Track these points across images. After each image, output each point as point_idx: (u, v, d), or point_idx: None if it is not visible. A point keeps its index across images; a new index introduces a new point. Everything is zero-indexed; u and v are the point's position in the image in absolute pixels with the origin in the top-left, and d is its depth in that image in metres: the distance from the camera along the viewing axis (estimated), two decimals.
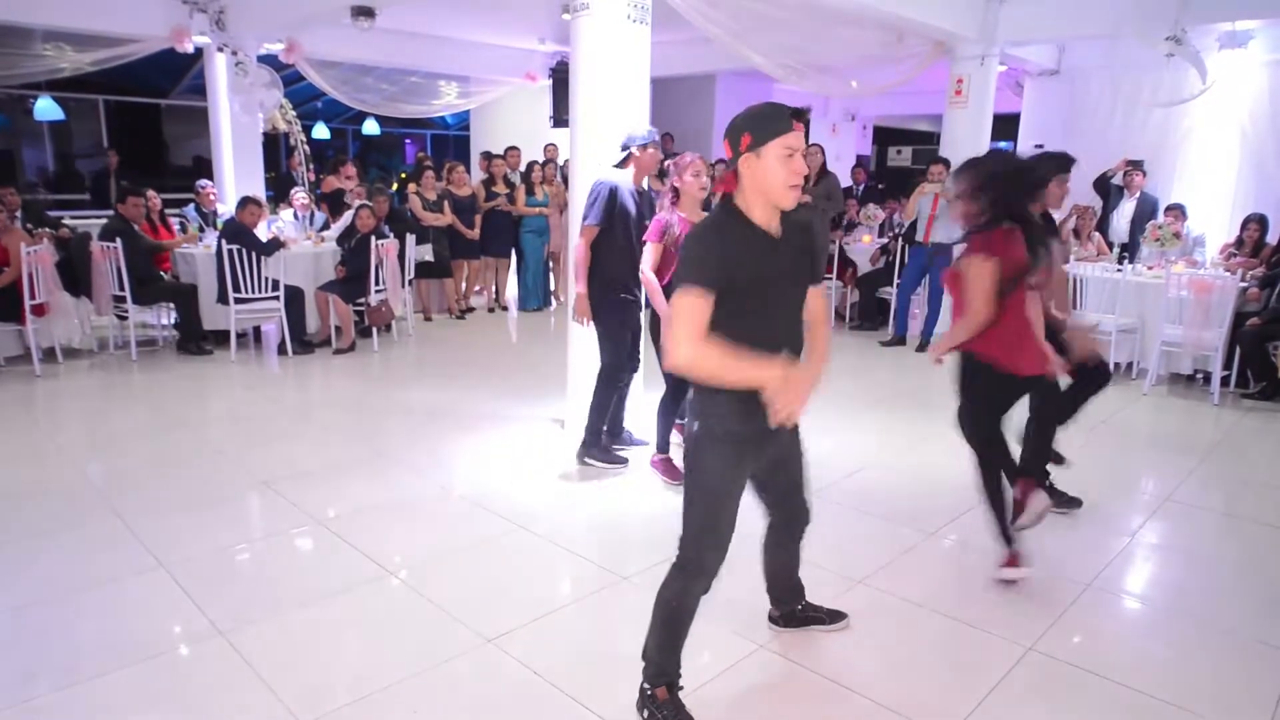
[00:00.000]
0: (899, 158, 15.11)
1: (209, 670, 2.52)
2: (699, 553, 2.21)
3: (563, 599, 3.00)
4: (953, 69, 7.56)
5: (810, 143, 8.42)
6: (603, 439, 4.34)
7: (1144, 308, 6.28)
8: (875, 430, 5.12)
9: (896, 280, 7.62)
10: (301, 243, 7.18)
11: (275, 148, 10.24)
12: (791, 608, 2.81)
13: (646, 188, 4.27)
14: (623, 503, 3.91)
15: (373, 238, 6.72)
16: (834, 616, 2.84)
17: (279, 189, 9.05)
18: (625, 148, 4.11)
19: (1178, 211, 7.11)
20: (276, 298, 6.44)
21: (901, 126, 15.11)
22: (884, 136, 15.58)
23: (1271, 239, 6.50)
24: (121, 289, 6.23)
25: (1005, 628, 2.84)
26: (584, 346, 4.66)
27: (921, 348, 7.32)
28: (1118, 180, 7.76)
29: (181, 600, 2.89)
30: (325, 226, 7.96)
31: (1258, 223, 6.69)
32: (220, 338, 6.59)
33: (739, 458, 2.20)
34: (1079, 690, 2.52)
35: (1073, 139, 8.68)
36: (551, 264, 8.98)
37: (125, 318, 6.44)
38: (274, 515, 3.68)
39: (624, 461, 4.27)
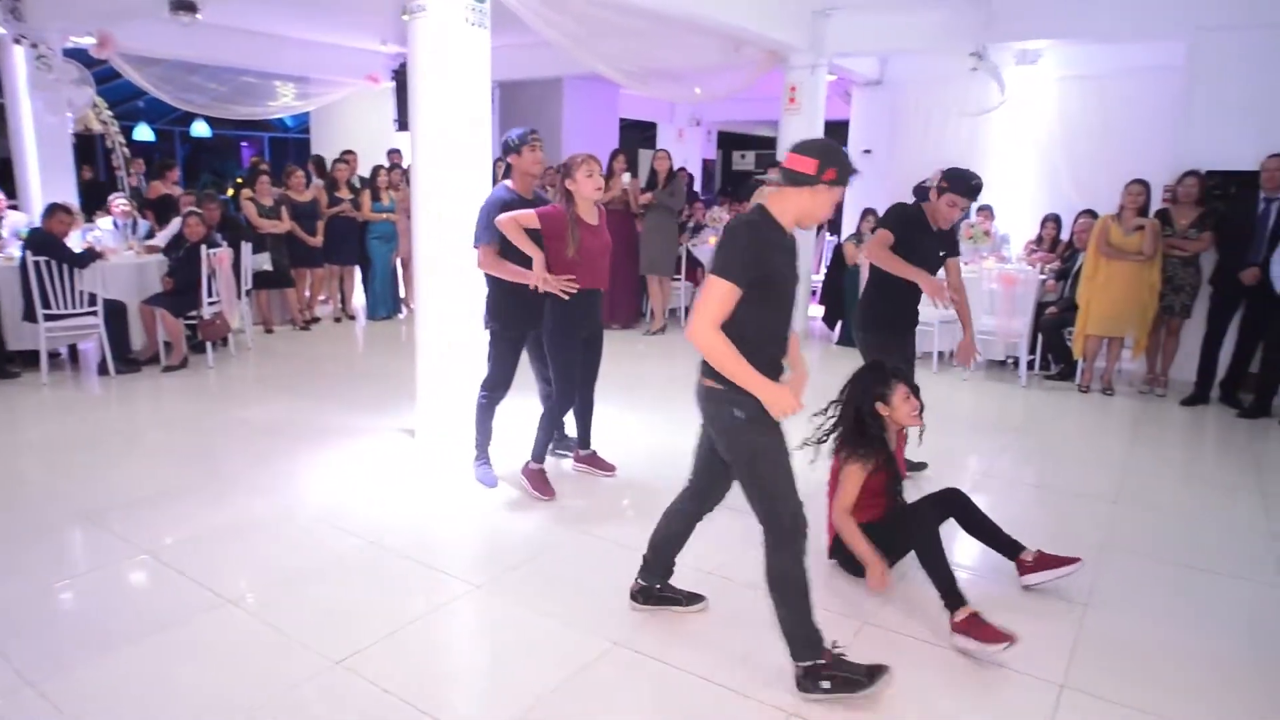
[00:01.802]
0: (743, 161, 15.71)
1: None
2: (791, 517, 2.43)
3: (416, 613, 2.96)
4: (787, 77, 7.96)
5: (658, 147, 8.66)
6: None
7: None
8: None
9: None
10: (123, 253, 6.67)
11: (92, 150, 9.41)
12: (653, 585, 2.96)
13: (543, 192, 4.07)
14: (477, 511, 3.89)
15: (203, 246, 6.34)
16: (691, 599, 2.98)
17: (91, 196, 8.34)
18: (504, 154, 3.94)
19: (987, 211, 7.80)
20: (94, 313, 5.95)
21: (745, 132, 15.71)
22: (728, 141, 16.14)
23: (1064, 237, 7.24)
24: None
25: (839, 603, 3.05)
26: (434, 355, 4.61)
27: None
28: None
29: None
30: (150, 235, 7.43)
31: (1054, 221, 7.44)
32: (29, 359, 6.01)
33: (777, 428, 2.48)
34: (904, 651, 2.73)
35: (896, 145, 9.35)
36: (401, 270, 8.77)
37: None
38: (98, 549, 3.41)
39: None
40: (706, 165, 15.37)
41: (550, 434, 4.04)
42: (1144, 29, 6.64)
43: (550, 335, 3.87)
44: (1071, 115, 8.26)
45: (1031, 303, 6.35)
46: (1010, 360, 6.83)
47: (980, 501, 4.10)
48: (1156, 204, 6.21)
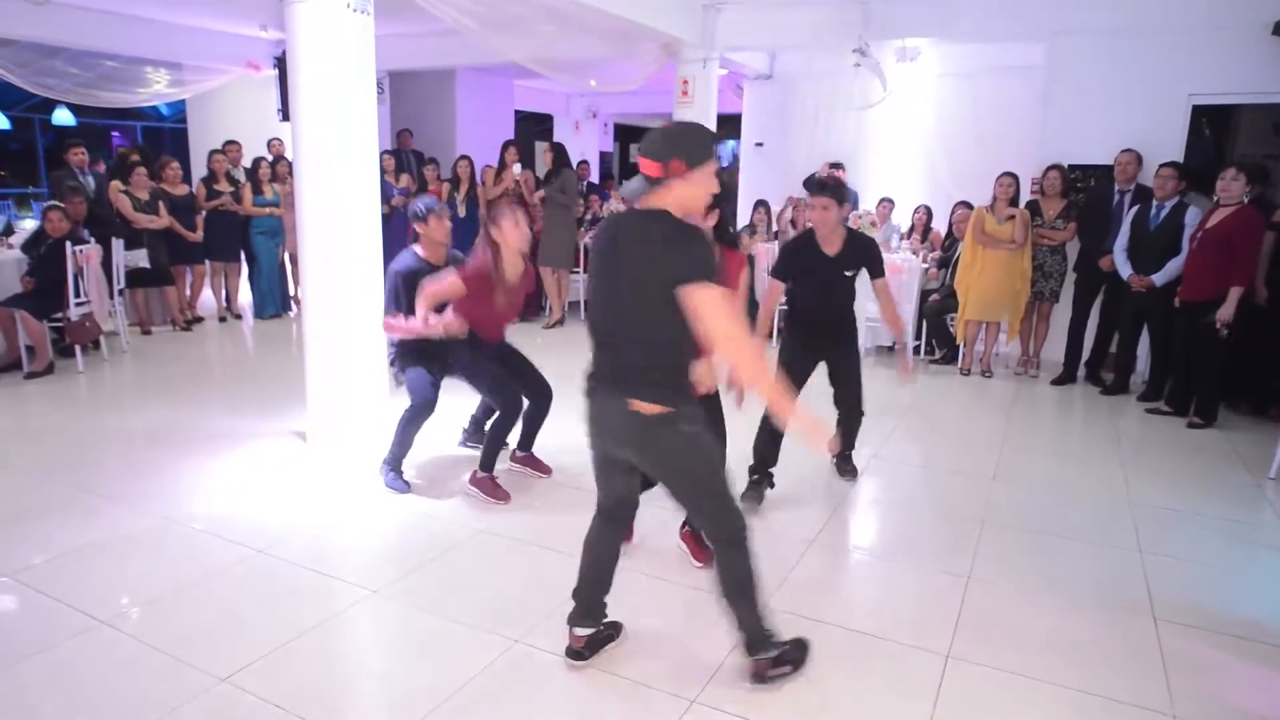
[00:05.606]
0: None
1: None
2: (741, 518, 2.41)
3: (308, 622, 2.86)
4: (679, 71, 8.03)
5: (553, 140, 8.60)
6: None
7: None
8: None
9: None
10: None
11: None
12: (599, 623, 2.67)
13: (456, 253, 4.14)
14: (372, 515, 3.80)
15: (67, 243, 5.93)
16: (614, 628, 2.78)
17: None
18: (412, 222, 4.00)
19: (888, 204, 8.11)
20: None
21: (640, 124, 15.77)
22: (625, 133, 16.19)
23: (936, 226, 7.60)
24: None
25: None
26: (324, 354, 4.46)
27: None
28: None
29: None
30: (7, 231, 6.91)
31: (924, 211, 7.77)
32: None
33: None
34: (792, 631, 2.79)
35: (787, 138, 9.55)
36: (290, 266, 8.42)
37: None
38: None
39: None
40: (604, 157, 15.38)
41: (499, 445, 4.02)
42: (1007, 30, 7.04)
43: (464, 366, 4.00)
44: (949, 111, 8.63)
45: (915, 290, 6.64)
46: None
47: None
48: (1026, 196, 6.58)
